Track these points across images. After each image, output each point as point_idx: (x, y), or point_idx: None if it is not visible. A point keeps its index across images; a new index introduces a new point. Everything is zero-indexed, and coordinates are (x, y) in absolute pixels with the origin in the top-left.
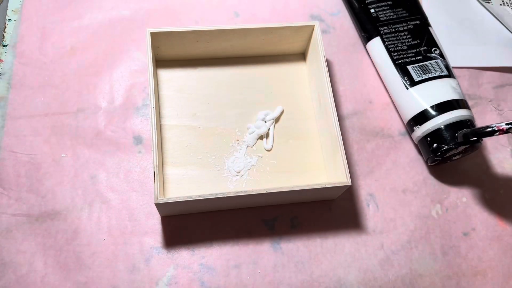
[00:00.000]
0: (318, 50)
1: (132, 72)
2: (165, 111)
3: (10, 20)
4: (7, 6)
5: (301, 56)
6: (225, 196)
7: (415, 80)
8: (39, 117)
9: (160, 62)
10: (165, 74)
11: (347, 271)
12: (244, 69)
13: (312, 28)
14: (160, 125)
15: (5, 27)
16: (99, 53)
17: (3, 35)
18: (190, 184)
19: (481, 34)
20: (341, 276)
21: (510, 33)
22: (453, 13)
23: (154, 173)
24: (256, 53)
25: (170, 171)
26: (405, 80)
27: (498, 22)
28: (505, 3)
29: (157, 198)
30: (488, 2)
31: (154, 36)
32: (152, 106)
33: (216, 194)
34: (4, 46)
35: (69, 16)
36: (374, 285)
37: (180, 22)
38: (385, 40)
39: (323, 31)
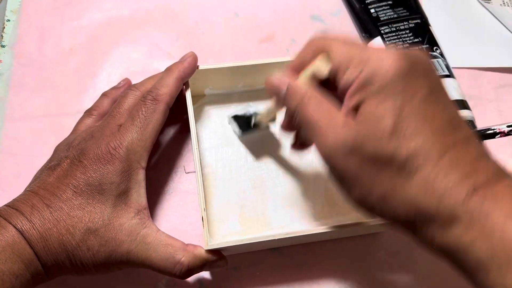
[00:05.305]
0: None
1: (131, 73)
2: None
3: (9, 20)
4: (5, 7)
5: None
6: (276, 238)
7: None
8: (38, 118)
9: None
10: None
11: (348, 272)
12: None
13: None
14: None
15: (4, 27)
16: (98, 54)
17: (2, 35)
18: (225, 216)
19: (481, 34)
20: (341, 277)
21: (510, 33)
22: (453, 13)
23: (202, 217)
24: None
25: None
26: None
27: (499, 22)
28: (505, 3)
29: (207, 244)
30: (488, 2)
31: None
32: (195, 147)
33: (267, 236)
34: (3, 46)
35: (68, 16)
36: (375, 285)
37: (180, 22)
38: (386, 39)
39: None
